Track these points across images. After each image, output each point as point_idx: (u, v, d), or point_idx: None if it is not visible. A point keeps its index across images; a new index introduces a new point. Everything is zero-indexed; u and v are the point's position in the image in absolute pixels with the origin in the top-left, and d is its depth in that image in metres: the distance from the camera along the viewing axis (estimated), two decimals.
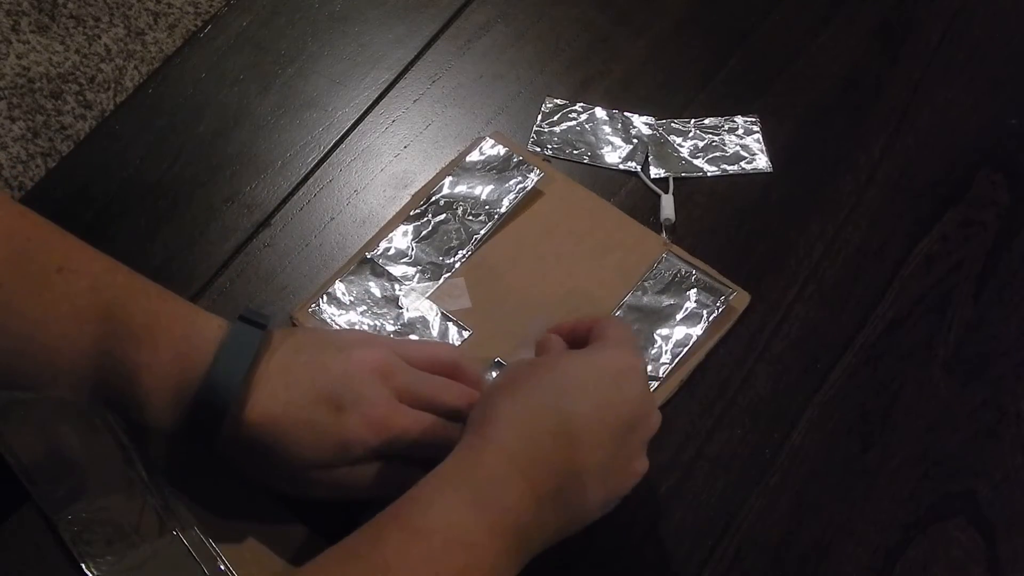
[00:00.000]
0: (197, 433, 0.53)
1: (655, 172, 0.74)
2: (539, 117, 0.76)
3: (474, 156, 0.72)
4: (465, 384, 0.58)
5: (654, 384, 0.63)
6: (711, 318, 0.66)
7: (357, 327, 0.65)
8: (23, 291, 0.51)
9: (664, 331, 0.65)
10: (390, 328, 0.65)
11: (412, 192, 0.72)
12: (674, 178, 0.73)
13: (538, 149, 0.74)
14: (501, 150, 0.72)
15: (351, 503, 0.59)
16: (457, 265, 0.68)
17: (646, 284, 0.67)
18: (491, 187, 0.71)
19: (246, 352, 0.52)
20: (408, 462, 0.55)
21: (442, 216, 0.70)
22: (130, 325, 0.52)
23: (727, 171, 0.74)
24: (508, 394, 0.51)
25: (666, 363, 0.64)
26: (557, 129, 0.75)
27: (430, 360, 0.58)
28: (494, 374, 0.64)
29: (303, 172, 0.73)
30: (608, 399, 0.51)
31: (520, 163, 0.72)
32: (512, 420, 0.50)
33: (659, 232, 0.70)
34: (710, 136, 0.76)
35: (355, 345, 0.56)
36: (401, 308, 0.66)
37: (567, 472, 0.49)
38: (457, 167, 0.72)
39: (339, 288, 0.67)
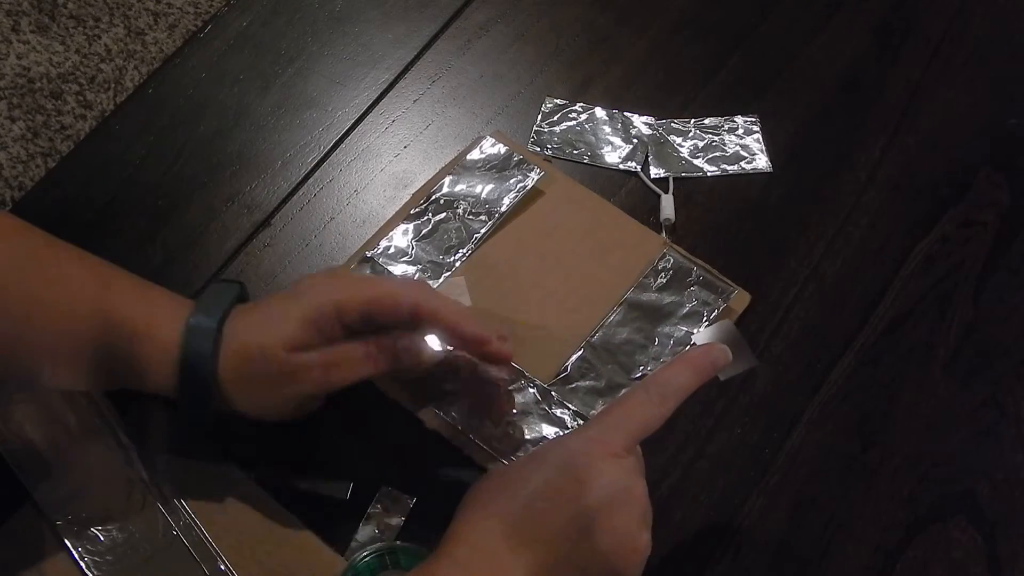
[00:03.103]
0: (192, 383, 0.54)
1: (655, 172, 0.74)
2: (539, 117, 0.76)
3: (474, 155, 0.72)
4: (429, 321, 0.57)
5: None
6: (712, 316, 0.66)
7: None
8: (19, 269, 0.54)
9: (665, 329, 0.66)
10: None
11: (412, 192, 0.72)
12: (674, 178, 0.73)
13: (538, 149, 0.74)
14: (501, 149, 0.72)
15: (351, 509, 0.59)
16: (457, 264, 0.68)
17: (646, 282, 0.67)
18: (491, 186, 0.71)
19: (222, 300, 0.56)
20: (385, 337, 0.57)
21: (442, 215, 0.70)
22: (125, 289, 0.56)
23: (727, 171, 0.74)
24: (468, 506, 0.51)
25: (667, 362, 0.64)
26: (557, 129, 0.75)
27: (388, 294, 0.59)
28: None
29: (303, 172, 0.73)
30: (557, 490, 0.49)
31: (520, 162, 0.72)
32: (464, 531, 0.49)
33: (659, 232, 0.70)
34: (710, 136, 0.76)
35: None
36: None
37: (532, 570, 0.48)
38: (457, 165, 0.72)
39: None
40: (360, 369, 0.56)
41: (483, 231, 0.69)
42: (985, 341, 0.68)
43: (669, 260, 0.68)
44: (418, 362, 0.57)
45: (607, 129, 0.76)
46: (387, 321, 0.56)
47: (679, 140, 0.75)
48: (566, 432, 0.62)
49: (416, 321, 0.56)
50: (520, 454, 0.61)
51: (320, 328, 0.55)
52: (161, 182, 0.72)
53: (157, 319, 0.55)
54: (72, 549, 0.56)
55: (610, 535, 0.49)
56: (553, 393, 0.63)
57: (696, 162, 0.74)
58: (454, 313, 0.57)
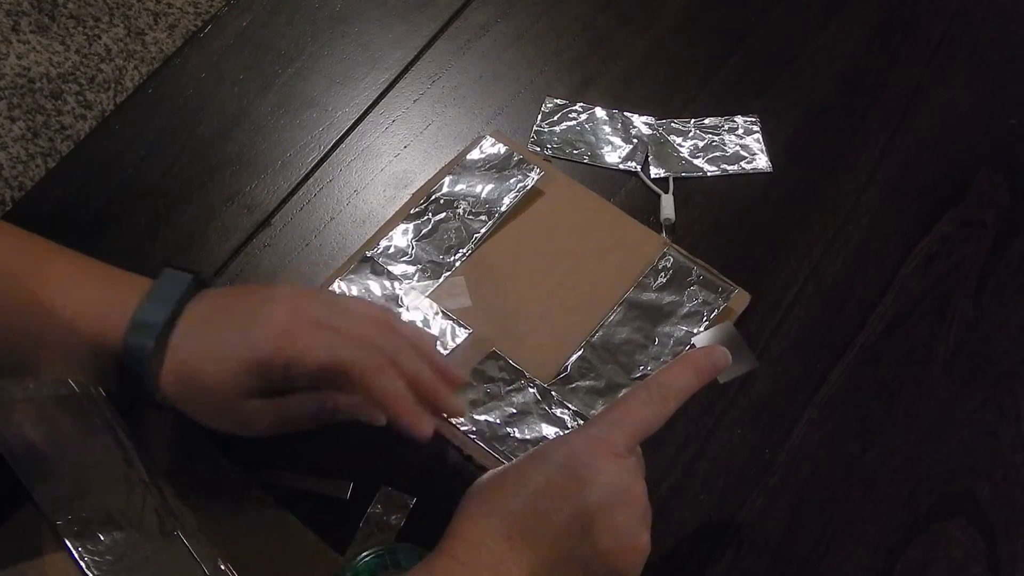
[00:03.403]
0: (129, 382, 0.53)
1: (655, 172, 0.74)
2: (539, 117, 0.76)
3: (474, 154, 0.72)
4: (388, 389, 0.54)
5: None
6: (712, 316, 0.66)
7: None
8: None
9: (665, 329, 0.65)
10: None
11: (412, 192, 0.72)
12: (674, 178, 0.73)
13: (538, 149, 0.74)
14: (501, 148, 0.72)
15: (351, 509, 0.59)
16: (457, 263, 0.68)
17: (646, 282, 0.67)
18: (491, 186, 0.71)
19: (172, 294, 0.53)
20: (339, 390, 0.55)
21: (442, 215, 0.70)
22: (61, 277, 0.54)
23: (727, 171, 0.74)
24: (469, 504, 0.51)
25: (667, 361, 0.64)
26: (557, 129, 0.75)
27: (363, 315, 0.56)
28: (489, 363, 0.64)
29: (303, 172, 0.73)
30: (558, 489, 0.49)
31: (520, 162, 0.72)
32: (464, 529, 0.49)
33: (659, 232, 0.70)
34: (710, 136, 0.76)
35: (278, 287, 0.56)
36: (401, 307, 0.66)
37: (533, 569, 0.48)
38: (457, 165, 0.72)
39: (339, 287, 0.67)
40: (308, 424, 0.56)
41: (483, 231, 0.69)
42: (985, 341, 0.68)
43: (669, 260, 0.68)
44: (373, 422, 0.55)
45: (607, 129, 0.76)
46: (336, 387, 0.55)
47: (679, 140, 0.75)
48: (566, 432, 0.62)
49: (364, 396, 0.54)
50: (520, 454, 0.61)
51: (268, 378, 0.53)
52: (161, 182, 0.72)
53: (99, 309, 0.53)
54: (72, 549, 0.56)
55: (610, 534, 0.49)
56: (553, 393, 0.63)
57: (696, 162, 0.74)
58: (401, 402, 0.53)
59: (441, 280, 0.67)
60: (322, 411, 0.56)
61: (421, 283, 0.67)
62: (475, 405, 0.63)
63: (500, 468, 0.52)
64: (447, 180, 0.71)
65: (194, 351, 0.53)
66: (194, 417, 0.55)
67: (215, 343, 0.53)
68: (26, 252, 0.55)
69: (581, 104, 0.77)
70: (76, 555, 0.56)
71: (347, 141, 0.74)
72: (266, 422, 0.55)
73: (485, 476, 0.52)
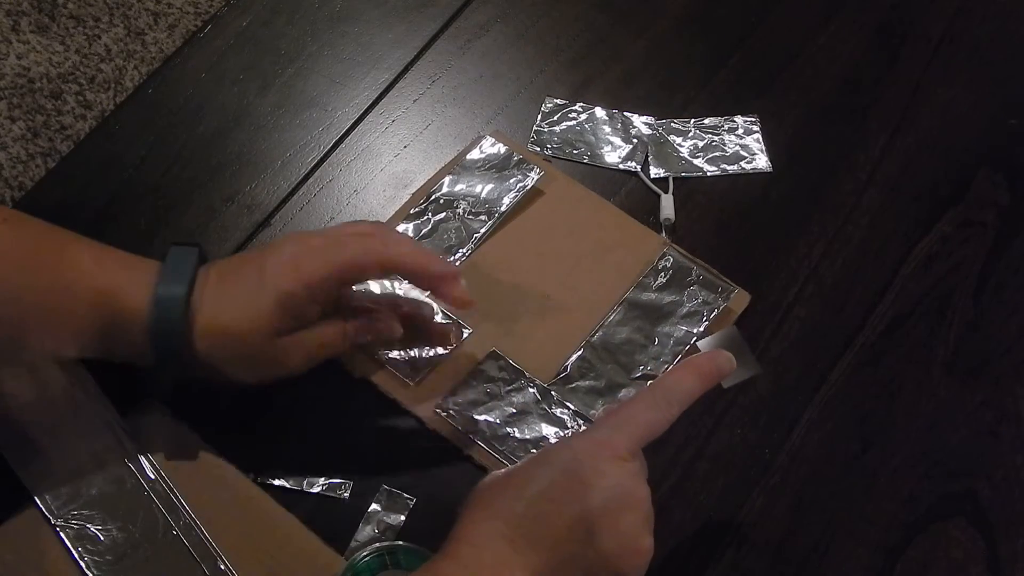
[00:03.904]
0: (165, 354, 0.55)
1: (655, 172, 0.74)
2: (539, 117, 0.76)
3: (474, 154, 0.72)
4: (396, 251, 0.59)
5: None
6: (711, 316, 0.66)
7: None
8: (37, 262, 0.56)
9: (665, 329, 0.65)
10: None
11: (412, 192, 0.72)
12: (674, 178, 0.73)
13: (538, 149, 0.74)
14: (501, 148, 0.72)
15: (351, 509, 0.59)
16: (457, 263, 0.68)
17: (646, 282, 0.67)
18: (491, 185, 0.71)
19: (185, 267, 0.56)
20: (358, 314, 0.61)
21: (442, 214, 0.70)
22: (82, 257, 0.56)
23: (727, 171, 0.74)
24: (472, 506, 0.51)
25: (667, 361, 0.64)
26: (557, 129, 0.75)
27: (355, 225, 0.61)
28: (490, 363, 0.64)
29: (303, 172, 0.73)
30: (561, 491, 0.50)
31: (520, 162, 0.72)
32: (468, 532, 0.49)
33: (659, 232, 0.70)
34: (710, 136, 0.76)
35: (277, 240, 0.60)
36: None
37: (535, 571, 0.48)
38: (457, 165, 0.72)
39: None
40: (338, 349, 0.60)
41: (483, 231, 0.69)
42: (985, 341, 0.68)
43: (669, 260, 0.68)
44: (393, 338, 0.62)
45: (607, 129, 0.76)
46: (359, 282, 0.62)
47: (679, 140, 0.75)
48: (567, 432, 0.62)
49: (387, 273, 0.62)
50: (520, 454, 0.61)
51: (295, 314, 0.57)
52: (161, 182, 0.72)
53: (121, 288, 0.55)
54: (72, 549, 0.56)
55: (613, 537, 0.49)
56: (553, 393, 0.63)
57: (696, 162, 0.74)
58: (418, 256, 0.59)
59: None
60: (345, 337, 0.60)
61: None
62: (475, 405, 0.63)
63: (503, 470, 0.52)
64: (447, 180, 0.71)
65: (220, 308, 0.56)
66: (228, 374, 0.57)
67: (238, 295, 0.56)
68: (47, 239, 0.56)
69: (581, 104, 0.77)
70: (76, 555, 0.56)
71: (347, 141, 0.74)
72: (299, 357, 0.58)
73: (488, 478, 0.52)
